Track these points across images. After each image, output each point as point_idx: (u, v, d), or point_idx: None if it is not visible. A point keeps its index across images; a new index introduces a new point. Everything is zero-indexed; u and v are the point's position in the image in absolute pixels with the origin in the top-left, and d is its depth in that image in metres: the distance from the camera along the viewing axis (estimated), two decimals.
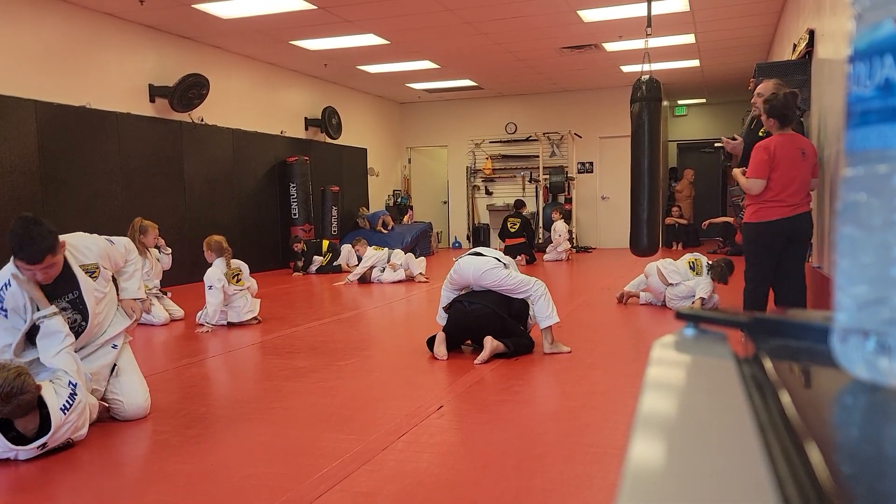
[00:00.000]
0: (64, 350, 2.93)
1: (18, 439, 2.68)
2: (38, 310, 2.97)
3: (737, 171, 4.37)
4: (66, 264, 3.06)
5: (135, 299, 3.49)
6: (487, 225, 14.12)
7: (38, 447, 2.68)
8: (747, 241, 4.33)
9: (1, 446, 2.65)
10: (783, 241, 4.14)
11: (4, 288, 2.95)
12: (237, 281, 5.72)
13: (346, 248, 9.90)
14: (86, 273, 3.14)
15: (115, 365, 3.29)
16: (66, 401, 2.76)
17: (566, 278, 9.16)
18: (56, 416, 2.70)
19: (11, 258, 2.93)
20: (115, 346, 3.29)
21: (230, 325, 5.64)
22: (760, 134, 4.65)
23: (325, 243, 9.93)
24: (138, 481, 2.59)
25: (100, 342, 3.26)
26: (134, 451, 2.98)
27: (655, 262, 6.16)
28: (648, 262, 6.22)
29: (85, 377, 3.05)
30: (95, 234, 3.39)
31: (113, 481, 2.61)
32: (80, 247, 3.18)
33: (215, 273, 5.57)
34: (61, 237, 3.02)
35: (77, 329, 3.10)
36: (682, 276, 5.89)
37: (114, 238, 3.48)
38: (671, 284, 5.90)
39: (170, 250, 6.35)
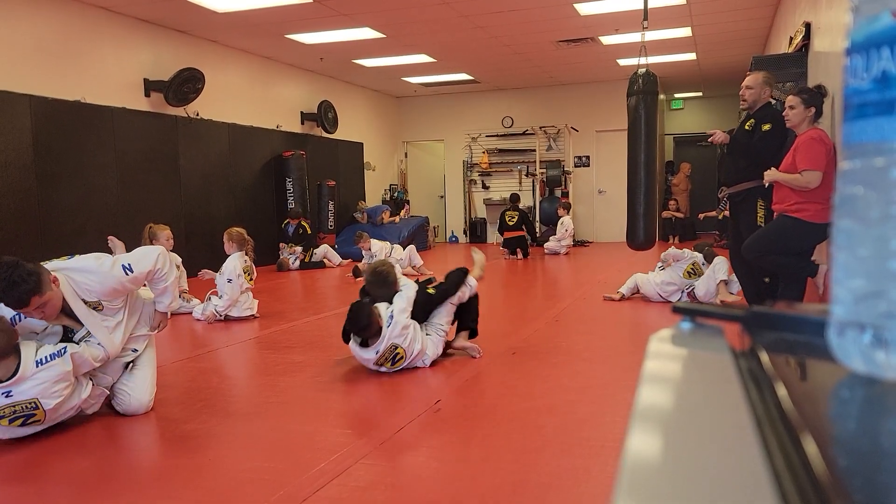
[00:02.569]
0: (94, 345, 2.97)
1: None
2: (75, 332, 3.01)
3: (774, 172, 4.09)
4: (66, 302, 2.88)
5: (164, 313, 3.38)
6: (484, 219, 14.13)
7: (2, 392, 2.70)
8: (805, 240, 4.06)
9: None
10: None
11: (15, 319, 2.85)
12: (250, 279, 5.76)
13: (324, 246, 9.92)
14: (90, 308, 2.96)
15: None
16: (45, 357, 2.77)
17: (564, 272, 9.17)
18: (27, 365, 2.72)
19: None
20: (135, 350, 3.26)
21: (227, 318, 5.64)
22: (747, 127, 4.62)
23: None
24: (136, 475, 2.59)
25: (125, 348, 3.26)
26: (132, 446, 2.98)
27: (648, 278, 6.11)
28: (639, 276, 6.19)
29: (90, 360, 3.01)
30: (106, 261, 3.02)
31: (111, 475, 2.60)
32: (80, 282, 2.92)
33: (236, 267, 5.63)
34: (58, 271, 2.85)
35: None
36: (680, 286, 5.92)
37: (140, 254, 3.15)
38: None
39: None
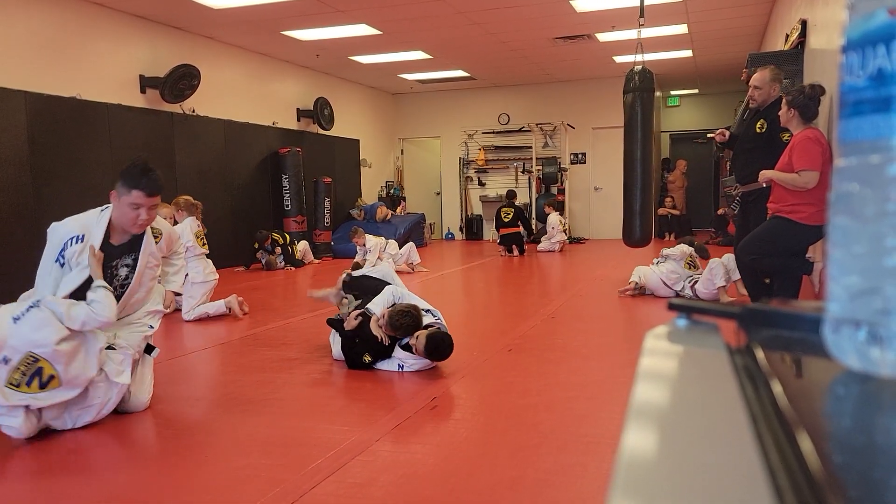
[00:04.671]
0: (81, 303, 2.95)
1: None
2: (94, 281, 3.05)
3: (770, 172, 4.09)
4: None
5: (174, 293, 3.74)
6: (480, 216, 14.13)
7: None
8: (799, 241, 4.07)
9: None
10: None
11: (74, 241, 3.03)
12: (203, 244, 5.68)
13: (303, 242, 9.88)
14: (153, 236, 3.33)
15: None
16: (21, 312, 2.79)
17: (559, 269, 9.18)
18: (3, 325, 2.75)
19: (100, 210, 3.11)
20: (152, 327, 3.36)
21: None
22: (758, 129, 4.61)
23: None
24: (132, 472, 2.59)
25: (138, 315, 3.31)
26: (128, 442, 2.97)
27: (650, 269, 6.09)
28: (642, 268, 6.16)
29: (67, 313, 2.96)
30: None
31: (107, 473, 2.60)
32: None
33: (187, 233, 5.42)
34: None
35: (125, 285, 3.19)
36: (682, 276, 5.93)
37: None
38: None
39: None
